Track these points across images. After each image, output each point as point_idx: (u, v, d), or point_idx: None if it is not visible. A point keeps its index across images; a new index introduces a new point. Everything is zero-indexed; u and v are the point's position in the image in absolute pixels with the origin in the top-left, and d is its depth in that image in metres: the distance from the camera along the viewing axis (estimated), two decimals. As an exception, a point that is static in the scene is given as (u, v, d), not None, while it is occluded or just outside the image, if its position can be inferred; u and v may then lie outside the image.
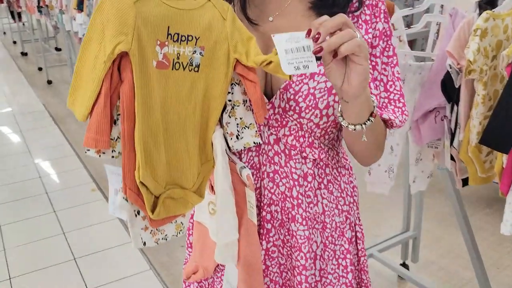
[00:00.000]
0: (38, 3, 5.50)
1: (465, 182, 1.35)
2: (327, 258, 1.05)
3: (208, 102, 0.88)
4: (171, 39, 0.81)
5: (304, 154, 0.97)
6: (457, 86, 1.23)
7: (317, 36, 0.74)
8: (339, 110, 0.88)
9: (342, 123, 0.86)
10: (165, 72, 0.81)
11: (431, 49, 1.39)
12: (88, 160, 4.11)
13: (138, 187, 0.81)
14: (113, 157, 0.81)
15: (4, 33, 10.99)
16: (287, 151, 0.97)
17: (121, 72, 0.78)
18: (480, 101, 1.17)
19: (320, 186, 1.01)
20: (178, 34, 0.81)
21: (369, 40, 0.94)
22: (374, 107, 0.86)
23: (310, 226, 1.01)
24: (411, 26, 1.40)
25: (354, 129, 0.85)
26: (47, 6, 5.18)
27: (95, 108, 0.76)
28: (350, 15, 0.95)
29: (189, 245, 1.17)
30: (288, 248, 1.03)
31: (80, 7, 3.89)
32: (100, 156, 0.80)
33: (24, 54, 8.76)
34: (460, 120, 1.25)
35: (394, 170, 1.45)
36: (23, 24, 9.76)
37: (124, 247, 2.89)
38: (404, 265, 2.52)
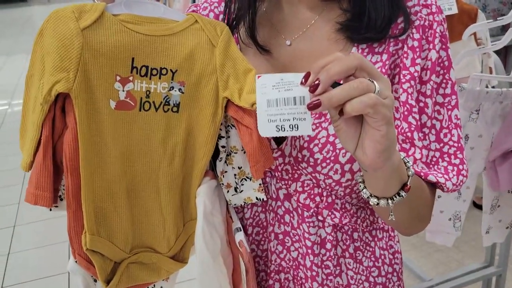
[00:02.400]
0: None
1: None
2: None
3: (191, 149, 0.70)
4: (137, 73, 0.63)
5: (320, 217, 0.75)
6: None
7: (316, 82, 0.52)
8: (359, 174, 0.65)
9: (362, 193, 0.64)
10: (129, 114, 0.64)
11: (517, 72, 1.09)
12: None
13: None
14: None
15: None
16: (299, 211, 0.76)
17: (65, 117, 0.61)
18: None
19: (344, 254, 0.79)
20: (146, 67, 0.63)
21: (416, 74, 0.70)
22: (409, 176, 0.61)
23: None
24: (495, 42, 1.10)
25: (377, 204, 0.62)
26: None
27: (35, 158, 0.61)
28: (393, 40, 0.71)
29: None
30: None
31: None
32: (51, 210, 0.66)
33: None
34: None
35: (461, 218, 1.17)
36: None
37: None
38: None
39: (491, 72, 1.30)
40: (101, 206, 0.64)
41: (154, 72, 0.64)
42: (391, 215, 0.63)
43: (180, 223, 0.72)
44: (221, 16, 0.81)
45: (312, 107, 0.52)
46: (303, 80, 0.53)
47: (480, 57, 1.23)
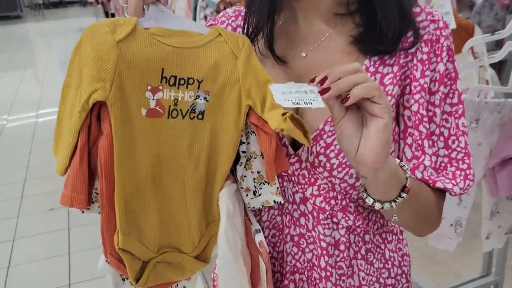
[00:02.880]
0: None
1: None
2: None
3: (215, 154, 0.74)
4: (166, 83, 0.68)
5: (335, 220, 0.80)
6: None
7: (323, 78, 0.58)
8: (361, 184, 0.70)
9: (366, 200, 0.68)
10: (158, 121, 0.69)
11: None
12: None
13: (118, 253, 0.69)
14: (99, 213, 0.70)
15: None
16: (315, 213, 0.80)
17: (100, 123, 0.66)
18: None
19: (356, 255, 0.84)
20: (175, 77, 0.68)
21: (426, 86, 0.75)
22: (406, 178, 0.67)
23: None
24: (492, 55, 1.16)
25: (382, 208, 0.67)
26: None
27: (72, 162, 0.66)
28: (403, 53, 0.76)
29: None
30: None
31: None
32: (83, 212, 0.69)
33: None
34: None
35: (462, 224, 1.22)
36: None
37: None
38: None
39: (487, 84, 1.36)
40: (131, 207, 0.68)
41: (182, 81, 0.68)
42: (394, 216, 0.68)
43: (203, 224, 0.76)
44: (238, 29, 0.86)
45: (322, 91, 0.58)
46: (310, 82, 0.60)
47: (477, 70, 1.29)
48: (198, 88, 0.69)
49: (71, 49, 0.66)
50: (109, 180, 0.65)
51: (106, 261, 0.70)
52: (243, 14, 0.85)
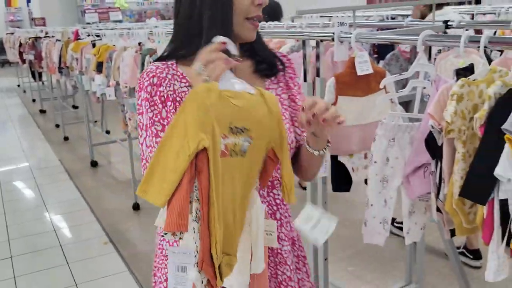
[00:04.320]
0: (59, 64, 5.82)
1: (453, 232, 1.45)
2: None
3: (249, 181, 1.03)
4: (231, 132, 0.96)
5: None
6: (439, 144, 1.36)
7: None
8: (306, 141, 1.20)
9: (308, 148, 1.18)
10: (225, 159, 0.96)
11: (417, 111, 1.54)
12: (101, 214, 4.23)
13: (212, 261, 0.94)
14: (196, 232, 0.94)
15: (24, 91, 11.40)
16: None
17: (197, 164, 0.91)
18: (461, 158, 1.29)
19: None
20: (236, 127, 0.97)
21: (296, 92, 1.30)
22: (328, 141, 1.19)
23: None
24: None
25: (318, 154, 1.18)
26: (67, 67, 5.48)
27: (176, 195, 0.89)
28: (279, 75, 1.27)
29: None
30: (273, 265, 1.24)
31: (99, 69, 4.15)
32: (180, 239, 0.91)
33: (42, 111, 9.09)
34: (444, 175, 1.37)
35: (388, 222, 1.55)
36: (43, 83, 10.16)
37: (134, 298, 2.96)
38: (408, 318, 2.56)
39: (398, 117, 1.75)
40: (217, 224, 0.94)
41: (239, 131, 0.98)
42: (318, 153, 1.19)
43: (240, 231, 1.04)
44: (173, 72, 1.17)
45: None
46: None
47: (390, 103, 1.68)
48: (247, 134, 0.99)
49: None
50: (206, 206, 0.91)
51: (198, 271, 0.94)
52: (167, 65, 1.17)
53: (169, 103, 1.10)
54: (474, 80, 1.32)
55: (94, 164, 5.65)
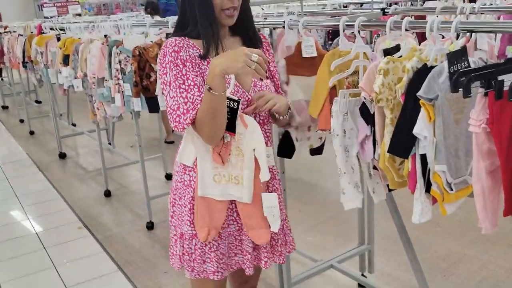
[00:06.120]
0: (23, 59, 5.86)
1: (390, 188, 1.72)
2: None
3: None
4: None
5: None
6: (372, 112, 1.63)
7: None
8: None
9: (275, 114, 1.67)
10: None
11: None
12: (73, 202, 4.39)
13: None
14: None
15: (-17, 88, 11.25)
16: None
17: None
18: (389, 122, 1.56)
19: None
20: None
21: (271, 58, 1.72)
22: (289, 108, 1.70)
23: None
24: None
25: (282, 118, 1.69)
26: (32, 61, 5.54)
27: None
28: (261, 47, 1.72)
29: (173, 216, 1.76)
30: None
31: (65, 62, 4.27)
32: None
33: (5, 107, 9.04)
34: (377, 138, 1.64)
35: (359, 185, 1.80)
36: (2, 79, 10.07)
37: (109, 276, 3.17)
38: (362, 276, 2.86)
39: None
40: None
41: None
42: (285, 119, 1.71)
43: None
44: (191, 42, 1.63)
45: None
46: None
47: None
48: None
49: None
50: None
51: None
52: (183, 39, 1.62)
53: (188, 64, 1.54)
54: (399, 57, 1.59)
55: (62, 156, 5.77)
